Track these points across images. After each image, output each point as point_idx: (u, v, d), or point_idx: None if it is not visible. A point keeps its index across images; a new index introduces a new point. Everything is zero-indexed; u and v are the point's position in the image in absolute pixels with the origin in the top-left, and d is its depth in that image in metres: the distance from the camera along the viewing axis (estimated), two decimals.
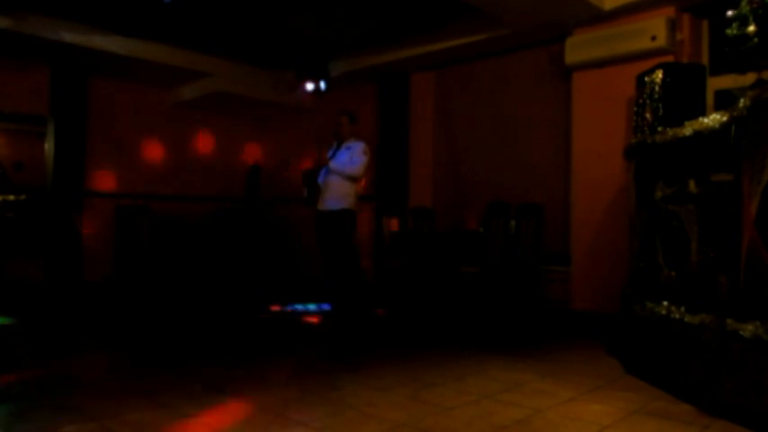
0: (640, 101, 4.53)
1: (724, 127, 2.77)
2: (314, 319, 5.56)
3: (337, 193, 5.02)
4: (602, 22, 5.32)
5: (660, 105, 4.23)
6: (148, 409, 2.71)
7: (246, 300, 6.66)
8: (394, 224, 6.84)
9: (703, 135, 2.92)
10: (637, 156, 3.84)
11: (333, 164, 4.99)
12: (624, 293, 3.97)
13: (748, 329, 2.51)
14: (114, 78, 7.71)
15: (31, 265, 7.07)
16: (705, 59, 5.20)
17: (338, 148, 5.15)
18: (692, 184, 3.10)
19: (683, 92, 4.21)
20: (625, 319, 3.84)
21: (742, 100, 2.64)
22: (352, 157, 5.01)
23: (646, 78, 4.47)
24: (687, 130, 3.05)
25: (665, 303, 3.23)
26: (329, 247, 5.09)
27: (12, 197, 7.89)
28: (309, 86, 7.20)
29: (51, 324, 5.07)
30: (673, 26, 4.95)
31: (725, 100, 4.62)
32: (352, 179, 5.06)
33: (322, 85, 7.12)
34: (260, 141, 9.42)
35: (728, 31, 3.00)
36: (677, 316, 3.06)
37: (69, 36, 6.33)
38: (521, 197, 6.07)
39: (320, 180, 5.12)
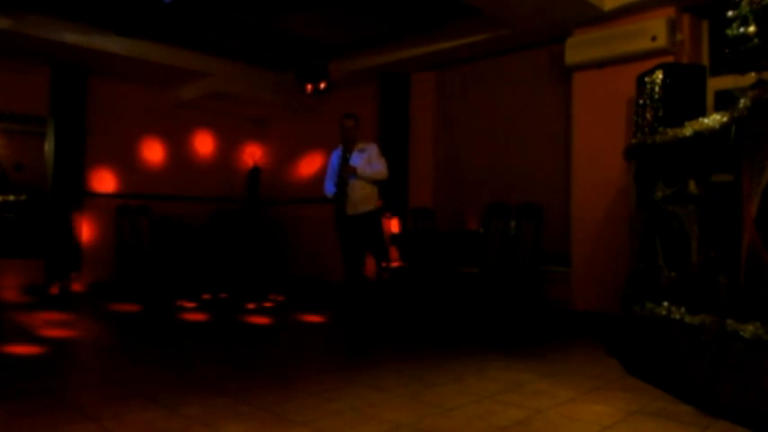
0: (640, 101, 4.53)
1: (724, 127, 2.77)
2: (313, 319, 5.56)
3: (365, 197, 5.03)
4: (602, 22, 5.32)
5: (660, 106, 4.23)
6: (148, 409, 2.71)
7: (246, 298, 6.66)
8: (394, 224, 6.84)
9: (703, 135, 2.92)
10: (637, 156, 3.84)
11: (360, 172, 4.95)
12: (624, 294, 3.97)
13: (748, 330, 2.51)
14: (114, 78, 7.71)
15: (33, 265, 7.07)
16: (705, 60, 5.21)
17: (348, 150, 5.11)
18: (692, 185, 3.10)
19: (684, 92, 4.22)
20: (625, 320, 3.84)
21: (742, 100, 2.64)
22: (371, 161, 4.99)
23: (646, 79, 4.47)
24: (687, 130, 3.05)
25: (666, 304, 3.23)
26: (358, 249, 5.08)
27: (12, 197, 7.90)
28: (309, 87, 7.20)
29: (53, 323, 5.07)
30: (673, 26, 4.95)
31: (725, 100, 4.62)
32: (381, 183, 5.11)
33: (322, 85, 7.12)
34: (260, 142, 9.42)
35: (729, 32, 3.01)
36: (677, 316, 3.06)
37: (69, 36, 6.33)
38: (521, 197, 6.06)
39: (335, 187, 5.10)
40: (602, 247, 5.28)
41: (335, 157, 5.20)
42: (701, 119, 3.00)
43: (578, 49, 5.46)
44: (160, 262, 7.64)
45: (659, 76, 4.29)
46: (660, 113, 4.21)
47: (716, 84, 4.86)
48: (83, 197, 7.45)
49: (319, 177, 8.57)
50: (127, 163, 7.98)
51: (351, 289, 5.16)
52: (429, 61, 6.95)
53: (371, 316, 5.06)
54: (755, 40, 2.87)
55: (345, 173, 4.99)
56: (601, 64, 5.38)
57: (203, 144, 8.80)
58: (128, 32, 6.56)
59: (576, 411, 2.76)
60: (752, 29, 2.88)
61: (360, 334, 4.82)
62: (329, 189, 5.18)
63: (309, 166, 8.83)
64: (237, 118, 9.12)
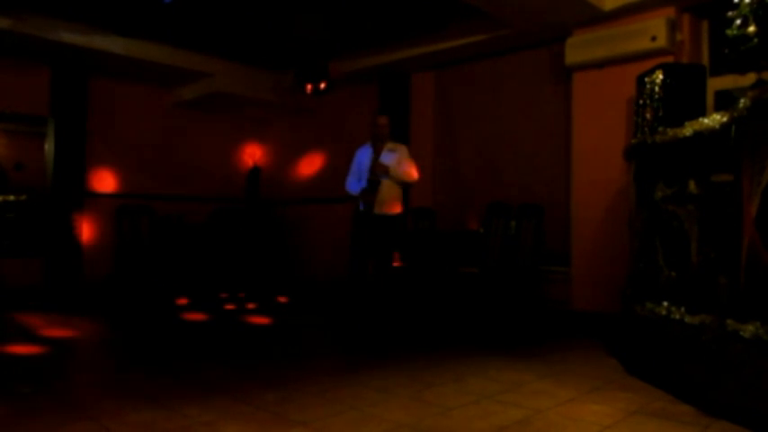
0: (640, 101, 4.53)
1: (724, 127, 2.77)
2: (314, 319, 5.56)
3: (392, 198, 4.89)
4: (602, 22, 5.32)
5: (660, 106, 4.23)
6: (148, 409, 2.71)
7: (246, 298, 6.67)
8: None
9: (703, 135, 2.92)
10: (637, 156, 3.84)
11: (392, 171, 4.81)
12: (624, 294, 3.97)
13: (748, 330, 2.51)
14: (114, 78, 7.70)
15: (32, 265, 7.07)
16: (705, 60, 5.20)
17: (377, 150, 4.92)
18: (692, 185, 3.10)
19: (684, 92, 4.21)
20: (625, 320, 3.84)
21: (742, 100, 2.64)
22: (401, 162, 4.85)
23: (646, 79, 4.47)
24: (687, 130, 3.05)
25: (666, 304, 3.23)
26: (376, 249, 4.92)
27: (12, 197, 7.90)
28: (309, 87, 7.19)
29: (52, 323, 5.07)
30: (673, 26, 4.95)
31: (725, 100, 4.62)
32: (407, 186, 5.04)
33: (322, 85, 7.11)
34: (260, 142, 9.41)
35: (728, 32, 3.01)
36: (677, 316, 3.06)
37: (69, 36, 6.33)
38: (521, 197, 6.07)
39: (361, 185, 4.91)
40: (602, 246, 5.28)
41: (364, 155, 4.99)
42: (700, 119, 3.00)
43: (578, 49, 5.46)
44: (160, 262, 7.64)
45: (659, 76, 4.29)
46: (660, 113, 4.21)
47: (716, 84, 4.86)
48: (83, 197, 7.45)
49: (319, 177, 8.61)
50: (127, 163, 7.97)
51: (357, 288, 5.03)
52: (429, 61, 6.95)
53: (375, 316, 4.98)
54: (755, 40, 2.87)
55: (378, 170, 4.79)
56: (601, 64, 5.38)
57: (203, 144, 8.78)
58: (128, 32, 6.56)
59: (576, 411, 2.76)
60: (752, 29, 2.88)
61: (360, 334, 4.82)
62: (353, 187, 4.97)
63: (310, 166, 8.83)
64: (237, 118, 9.11)
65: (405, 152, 4.94)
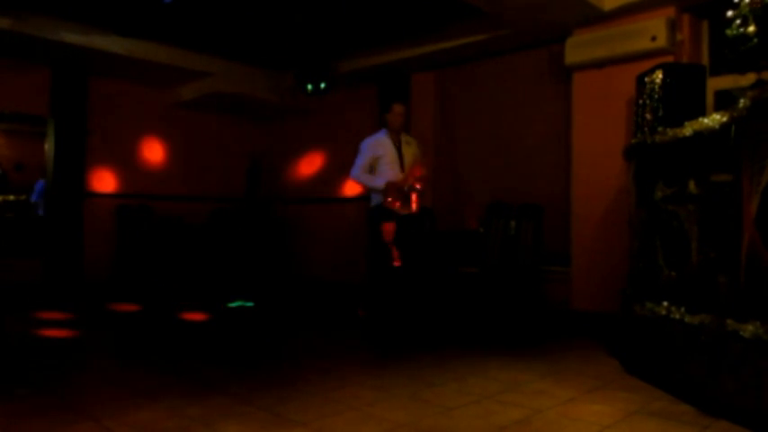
0: (640, 101, 4.53)
1: (724, 127, 2.77)
2: (313, 319, 5.56)
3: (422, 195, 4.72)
4: (602, 22, 5.32)
5: (660, 106, 4.23)
6: (148, 409, 2.71)
7: (245, 298, 6.66)
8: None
9: (703, 135, 2.92)
10: (637, 156, 3.84)
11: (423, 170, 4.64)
12: (624, 293, 3.97)
13: (748, 330, 2.51)
14: (114, 78, 7.70)
15: (32, 265, 7.07)
16: (705, 60, 5.20)
17: (396, 142, 4.64)
18: (691, 185, 3.10)
19: (683, 92, 4.21)
20: (625, 320, 3.84)
21: (742, 100, 2.64)
22: (416, 157, 4.68)
23: (646, 79, 4.46)
24: (687, 130, 3.05)
25: (665, 303, 3.23)
26: (412, 247, 4.77)
27: (12, 197, 7.90)
28: (309, 87, 7.18)
29: (52, 323, 5.08)
30: (673, 26, 4.95)
31: (725, 100, 4.62)
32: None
33: (322, 85, 7.11)
34: (260, 141, 9.42)
35: (728, 32, 3.01)
36: (677, 316, 3.06)
37: (69, 36, 6.32)
38: (521, 197, 6.06)
39: (383, 179, 4.62)
40: (602, 246, 5.28)
41: (382, 146, 4.67)
42: (700, 119, 3.00)
43: (578, 49, 5.46)
44: (160, 262, 7.64)
45: (659, 75, 4.29)
46: (660, 113, 4.20)
47: (716, 84, 4.86)
48: (83, 197, 7.45)
49: (320, 177, 8.61)
50: (127, 163, 7.97)
51: (390, 289, 4.83)
52: (429, 61, 6.95)
53: (380, 316, 4.88)
54: (755, 40, 2.87)
55: (418, 176, 4.51)
56: (601, 64, 5.38)
57: (203, 144, 8.78)
58: (128, 32, 6.56)
59: (576, 411, 2.76)
60: (752, 29, 2.88)
61: (360, 334, 4.82)
62: (374, 181, 4.64)
63: (310, 165, 8.83)
64: (237, 118, 9.12)
65: (419, 147, 4.83)
